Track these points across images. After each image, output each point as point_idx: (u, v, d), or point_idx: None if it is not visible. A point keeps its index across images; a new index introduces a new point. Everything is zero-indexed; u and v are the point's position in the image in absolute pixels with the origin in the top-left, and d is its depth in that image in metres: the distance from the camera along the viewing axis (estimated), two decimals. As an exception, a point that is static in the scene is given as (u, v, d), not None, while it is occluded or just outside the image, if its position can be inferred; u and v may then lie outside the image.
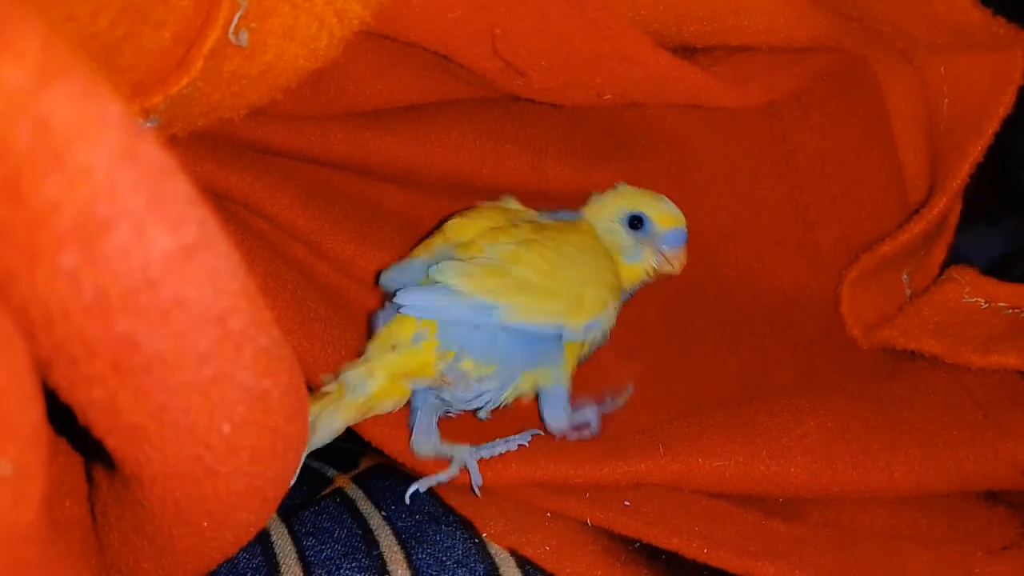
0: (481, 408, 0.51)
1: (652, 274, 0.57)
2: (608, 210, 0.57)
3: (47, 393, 0.28)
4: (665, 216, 0.56)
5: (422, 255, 0.53)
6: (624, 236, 0.56)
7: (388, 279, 0.53)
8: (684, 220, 0.57)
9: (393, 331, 0.49)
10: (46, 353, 0.27)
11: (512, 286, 0.49)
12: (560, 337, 0.51)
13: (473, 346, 0.49)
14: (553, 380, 0.51)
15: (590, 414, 0.53)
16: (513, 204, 0.57)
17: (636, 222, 0.56)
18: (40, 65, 0.23)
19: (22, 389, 0.27)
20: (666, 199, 0.57)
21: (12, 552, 0.28)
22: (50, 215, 0.24)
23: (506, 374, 0.50)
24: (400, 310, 0.49)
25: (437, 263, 0.50)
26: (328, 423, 0.46)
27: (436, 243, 0.53)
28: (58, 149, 0.24)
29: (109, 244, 0.25)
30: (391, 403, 0.49)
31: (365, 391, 0.48)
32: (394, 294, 0.49)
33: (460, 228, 0.53)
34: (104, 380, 0.27)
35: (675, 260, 0.57)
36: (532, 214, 0.56)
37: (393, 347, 0.49)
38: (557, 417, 0.51)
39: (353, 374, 0.48)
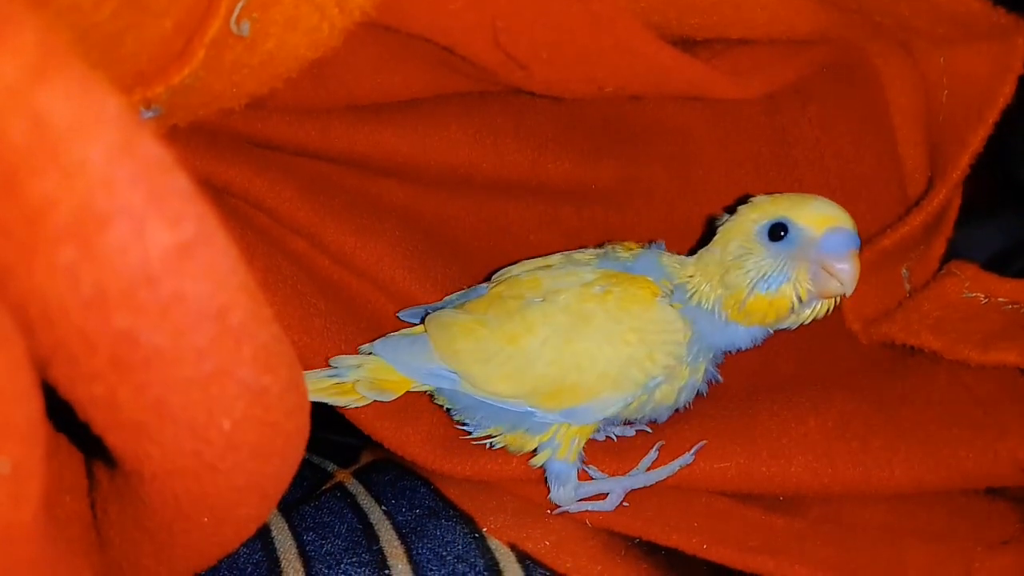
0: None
1: (806, 299, 0.44)
2: (738, 231, 0.46)
3: (47, 390, 0.28)
4: (816, 216, 0.44)
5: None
6: (763, 256, 0.45)
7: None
8: (846, 218, 0.44)
9: None
10: (45, 350, 0.27)
11: (480, 353, 0.47)
12: (532, 412, 0.47)
13: (443, 389, 0.50)
14: (540, 448, 0.48)
15: (609, 485, 0.49)
16: (619, 251, 0.51)
17: (778, 231, 0.45)
18: (36, 61, 0.23)
19: (21, 386, 0.27)
20: (817, 196, 0.45)
21: (12, 550, 0.28)
22: (47, 211, 0.24)
23: (476, 421, 0.49)
24: (374, 350, 0.50)
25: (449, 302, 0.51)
26: None
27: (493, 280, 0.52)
28: (55, 145, 0.23)
29: (107, 240, 0.24)
30: (347, 400, 0.49)
31: (341, 376, 0.49)
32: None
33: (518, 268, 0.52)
34: (103, 376, 0.27)
35: (843, 273, 0.43)
36: (603, 254, 0.51)
37: None
38: (555, 490, 0.48)
39: (345, 359, 0.50)
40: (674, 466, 0.49)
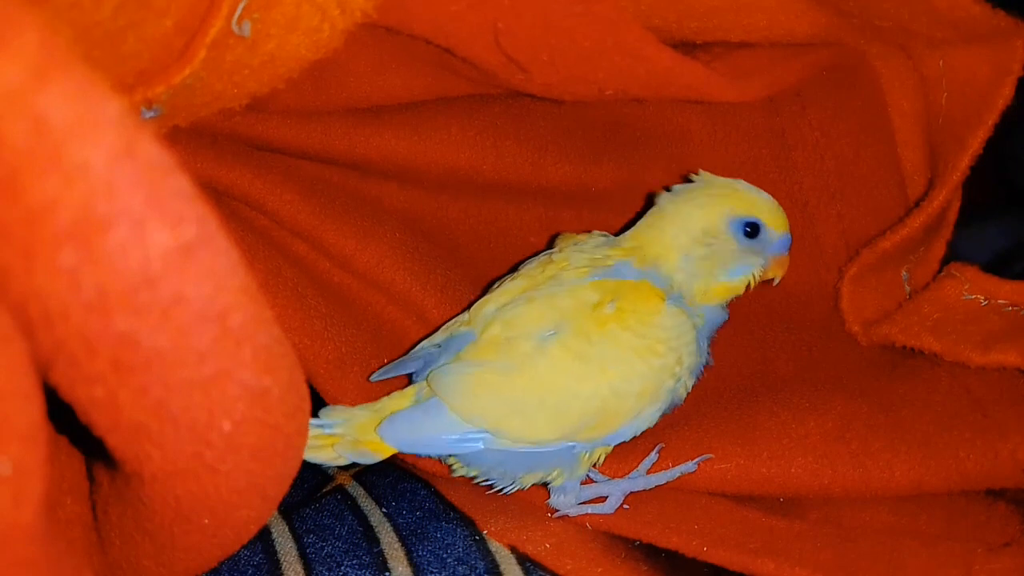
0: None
1: (753, 285, 0.51)
2: (706, 217, 0.49)
3: (47, 392, 0.28)
4: (779, 219, 0.50)
5: (443, 335, 0.50)
6: (734, 248, 0.49)
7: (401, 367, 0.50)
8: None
9: (389, 404, 0.48)
10: (46, 352, 0.27)
11: (509, 405, 0.44)
12: (572, 447, 0.46)
13: (460, 455, 0.47)
14: (560, 478, 0.47)
15: (609, 488, 0.49)
16: (592, 240, 0.51)
17: (752, 230, 0.49)
18: (37, 63, 0.23)
19: (22, 387, 0.27)
20: (767, 195, 0.51)
21: (14, 550, 0.28)
22: (48, 213, 0.24)
23: (500, 476, 0.47)
24: (384, 439, 0.45)
25: (436, 367, 0.47)
26: None
27: (465, 320, 0.49)
28: (56, 147, 0.23)
29: (108, 242, 0.25)
30: (323, 456, 0.47)
31: (327, 430, 0.47)
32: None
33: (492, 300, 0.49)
34: (104, 378, 0.27)
35: (782, 267, 0.51)
36: (593, 260, 0.49)
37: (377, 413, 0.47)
38: (559, 498, 0.48)
39: (333, 411, 0.48)
40: (675, 472, 0.49)
